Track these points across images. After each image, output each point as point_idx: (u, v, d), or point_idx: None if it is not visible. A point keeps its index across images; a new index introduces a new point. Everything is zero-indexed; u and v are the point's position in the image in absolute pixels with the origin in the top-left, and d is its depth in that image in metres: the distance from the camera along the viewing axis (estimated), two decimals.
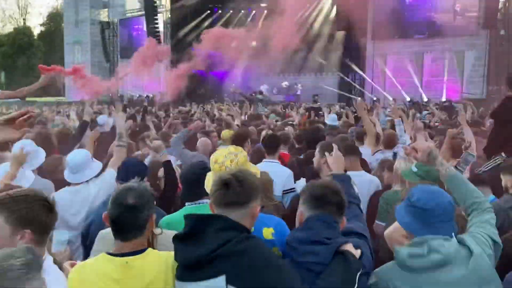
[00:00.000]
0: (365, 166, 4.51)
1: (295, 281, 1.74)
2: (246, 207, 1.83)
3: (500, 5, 19.52)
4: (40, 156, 3.82)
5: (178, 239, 1.85)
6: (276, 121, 9.53)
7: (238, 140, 5.24)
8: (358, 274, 1.79)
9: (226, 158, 2.38)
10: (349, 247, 1.85)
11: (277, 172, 3.92)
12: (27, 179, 3.22)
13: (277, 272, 1.72)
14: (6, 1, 78.40)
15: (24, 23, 54.06)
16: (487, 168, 4.07)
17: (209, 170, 2.55)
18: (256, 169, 2.52)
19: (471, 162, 3.62)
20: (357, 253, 1.84)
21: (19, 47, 46.28)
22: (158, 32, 26.68)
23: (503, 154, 4.29)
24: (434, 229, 1.93)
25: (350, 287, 1.76)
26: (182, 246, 1.82)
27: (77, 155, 3.48)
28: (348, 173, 4.00)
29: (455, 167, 3.08)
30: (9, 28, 52.23)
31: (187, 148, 5.21)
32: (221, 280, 1.71)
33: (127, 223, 1.90)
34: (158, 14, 27.20)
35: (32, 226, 1.82)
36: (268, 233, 2.24)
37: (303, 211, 1.99)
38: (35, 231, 1.83)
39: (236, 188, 1.81)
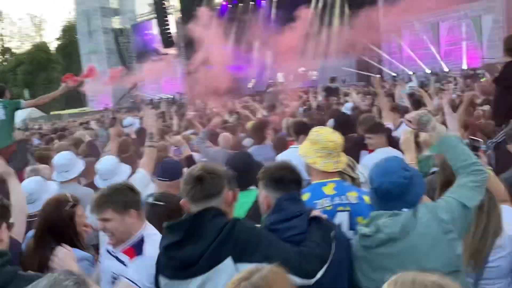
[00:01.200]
0: (392, 142, 4.53)
1: (287, 246, 1.92)
2: (221, 196, 1.97)
3: None
4: (76, 168, 3.97)
5: (171, 247, 1.94)
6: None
7: (258, 129, 5.34)
8: (332, 233, 2.01)
9: (335, 135, 2.59)
10: (317, 213, 2.09)
11: None
12: (50, 191, 3.33)
13: (272, 242, 1.91)
14: (22, 20, 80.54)
15: (41, 39, 55.34)
16: (498, 140, 3.96)
17: (254, 159, 2.95)
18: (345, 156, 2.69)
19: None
20: (324, 217, 2.09)
21: (38, 63, 47.43)
22: (170, 33, 26.91)
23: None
24: (385, 206, 2.05)
25: (328, 244, 1.98)
26: (176, 251, 1.92)
27: (106, 162, 3.67)
28: (376, 150, 4.11)
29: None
30: (27, 46, 53.57)
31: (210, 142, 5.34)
32: (228, 261, 1.83)
33: None
34: (169, 16, 27.41)
35: (133, 206, 2.29)
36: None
37: (267, 195, 2.14)
38: (136, 209, 2.31)
39: (210, 180, 1.94)
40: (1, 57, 54.51)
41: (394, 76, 19.38)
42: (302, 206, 2.11)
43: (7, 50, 54.79)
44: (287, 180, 2.13)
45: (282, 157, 4.15)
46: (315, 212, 2.10)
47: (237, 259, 1.83)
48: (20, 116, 7.46)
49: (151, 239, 2.26)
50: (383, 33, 21.98)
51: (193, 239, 1.90)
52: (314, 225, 2.03)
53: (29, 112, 27.75)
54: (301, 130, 4.50)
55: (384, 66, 22.43)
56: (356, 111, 7.48)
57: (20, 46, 55.05)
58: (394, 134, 5.05)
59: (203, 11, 17.95)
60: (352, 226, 2.38)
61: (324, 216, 2.09)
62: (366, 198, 2.48)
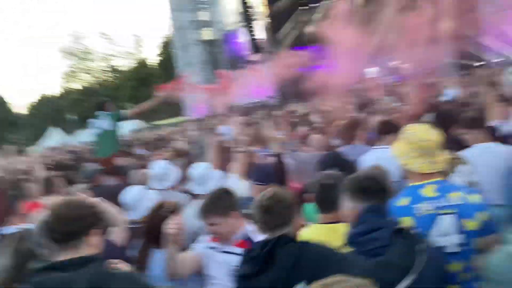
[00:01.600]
0: (498, 137, 4.16)
1: (359, 258, 1.89)
2: (292, 223, 2.02)
3: None
4: (172, 177, 4.26)
5: (245, 276, 2.01)
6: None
7: (348, 129, 5.25)
8: (419, 246, 1.90)
9: (431, 133, 2.46)
10: (403, 225, 2.03)
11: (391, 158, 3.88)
12: (151, 199, 3.53)
13: (341, 258, 1.92)
14: (124, 39, 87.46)
15: (142, 56, 59.71)
16: None
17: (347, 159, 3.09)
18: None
19: None
20: (411, 229, 2.03)
21: (142, 79, 51.29)
22: (258, 40, 27.43)
23: None
24: None
25: (412, 256, 1.87)
26: (249, 282, 1.99)
27: (199, 168, 3.89)
28: (475, 146, 3.79)
29: None
30: (130, 64, 58.12)
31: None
32: (301, 285, 1.83)
33: (326, 199, 2.49)
34: (255, 22, 27.99)
35: (233, 208, 2.58)
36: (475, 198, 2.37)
37: (352, 205, 2.10)
38: (236, 210, 2.59)
39: (280, 211, 1.98)
40: (109, 75, 59.78)
41: (497, 63, 17.74)
42: (385, 218, 2.07)
43: (113, 68, 59.99)
44: (373, 190, 2.09)
45: (366, 157, 4.06)
46: (402, 225, 2.04)
47: (310, 282, 1.87)
48: (126, 128, 8.24)
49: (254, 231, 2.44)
50: (483, 16, 20.28)
51: (266, 269, 1.95)
52: (399, 238, 1.97)
53: (132, 125, 30.07)
54: (385, 130, 4.36)
55: (486, 53, 20.63)
56: (457, 103, 6.98)
57: (124, 64, 59.92)
58: (503, 127, 4.64)
59: (339, 6, 17.09)
60: (461, 229, 2.25)
61: (411, 228, 2.04)
62: (472, 198, 2.33)
